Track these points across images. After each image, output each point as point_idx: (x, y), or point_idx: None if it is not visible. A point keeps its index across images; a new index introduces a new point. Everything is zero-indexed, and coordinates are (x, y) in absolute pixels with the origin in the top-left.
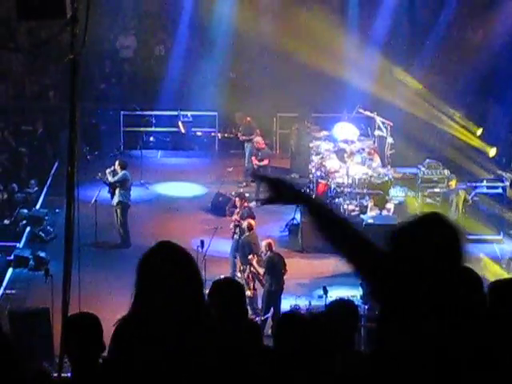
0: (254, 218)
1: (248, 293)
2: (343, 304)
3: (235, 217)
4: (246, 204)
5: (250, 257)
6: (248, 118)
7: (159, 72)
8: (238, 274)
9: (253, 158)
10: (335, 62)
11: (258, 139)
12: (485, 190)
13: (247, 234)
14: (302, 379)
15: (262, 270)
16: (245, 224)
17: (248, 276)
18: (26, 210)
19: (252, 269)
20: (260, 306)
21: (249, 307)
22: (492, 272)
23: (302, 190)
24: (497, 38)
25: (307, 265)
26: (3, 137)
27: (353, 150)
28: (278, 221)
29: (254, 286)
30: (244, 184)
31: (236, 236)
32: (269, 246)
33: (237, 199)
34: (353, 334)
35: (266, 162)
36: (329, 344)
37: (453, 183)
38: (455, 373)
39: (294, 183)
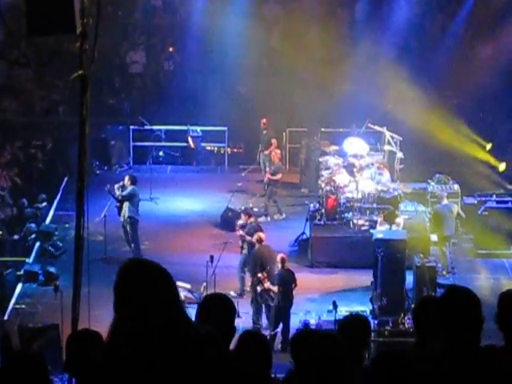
0: (262, 231)
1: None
2: (356, 319)
3: (240, 232)
4: (252, 219)
5: (259, 275)
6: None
7: (168, 87)
8: (248, 289)
9: (267, 170)
10: (344, 76)
11: (277, 151)
12: (494, 205)
13: (257, 246)
14: None
15: (274, 288)
16: (254, 237)
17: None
18: (35, 225)
19: (265, 286)
20: (266, 321)
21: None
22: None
23: None
24: (506, 54)
25: (317, 279)
26: (13, 152)
27: (362, 164)
28: (288, 235)
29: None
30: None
31: (244, 251)
32: (282, 260)
33: (242, 215)
34: (364, 349)
35: (279, 176)
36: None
37: (445, 199)
38: None
39: None
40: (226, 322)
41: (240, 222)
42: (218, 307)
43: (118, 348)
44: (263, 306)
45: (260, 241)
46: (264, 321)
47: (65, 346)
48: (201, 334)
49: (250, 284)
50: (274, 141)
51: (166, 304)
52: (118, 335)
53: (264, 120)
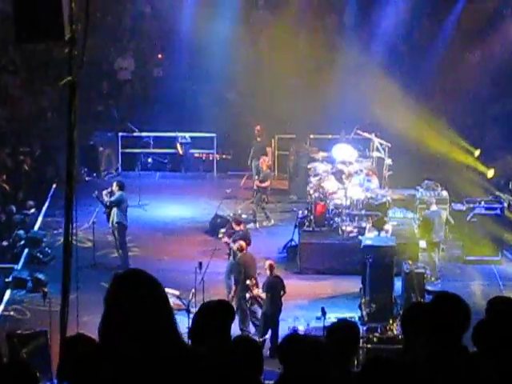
0: (245, 239)
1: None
2: (346, 325)
3: (225, 239)
4: (241, 227)
5: (248, 282)
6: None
7: (157, 93)
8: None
9: (255, 178)
10: (333, 82)
11: (266, 158)
12: (483, 211)
13: (239, 255)
14: None
15: (263, 295)
16: (235, 246)
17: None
18: (23, 232)
19: (254, 292)
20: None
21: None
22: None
23: None
24: (494, 59)
25: (305, 286)
26: (1, 158)
27: (351, 171)
28: (277, 242)
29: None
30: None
31: (231, 258)
32: (270, 267)
33: (233, 224)
34: (353, 355)
35: (268, 183)
36: (329, 365)
37: (434, 205)
38: None
39: None
40: (223, 328)
41: (223, 230)
42: (217, 314)
43: (106, 354)
44: (248, 312)
45: (241, 249)
46: (251, 328)
47: (59, 350)
48: (189, 348)
49: (232, 292)
50: (268, 149)
51: (154, 314)
52: (104, 342)
53: (258, 127)
